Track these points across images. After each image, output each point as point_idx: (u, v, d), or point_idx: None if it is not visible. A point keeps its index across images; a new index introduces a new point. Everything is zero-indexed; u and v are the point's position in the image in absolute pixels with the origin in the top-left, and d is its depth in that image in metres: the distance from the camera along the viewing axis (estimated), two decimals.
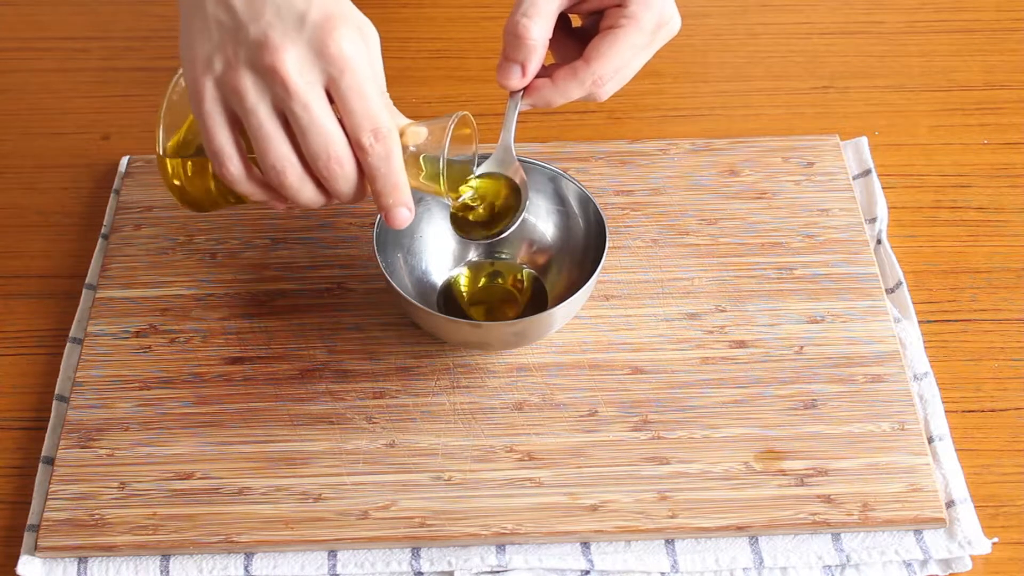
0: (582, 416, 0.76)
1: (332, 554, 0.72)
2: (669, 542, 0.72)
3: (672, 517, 0.71)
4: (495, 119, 0.95)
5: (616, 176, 0.88)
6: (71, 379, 0.79)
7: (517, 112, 0.71)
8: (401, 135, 0.66)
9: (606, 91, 0.70)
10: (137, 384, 0.78)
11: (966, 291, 0.84)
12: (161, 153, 0.70)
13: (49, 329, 0.83)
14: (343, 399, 0.77)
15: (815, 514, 0.71)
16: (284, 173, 0.64)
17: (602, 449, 0.74)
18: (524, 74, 0.69)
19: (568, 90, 0.70)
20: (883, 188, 0.88)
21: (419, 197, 0.79)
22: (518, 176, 0.73)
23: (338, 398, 0.77)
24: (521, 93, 0.71)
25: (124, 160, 0.91)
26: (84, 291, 0.84)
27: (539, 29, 0.68)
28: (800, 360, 0.78)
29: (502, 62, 0.69)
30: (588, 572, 0.71)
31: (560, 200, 0.80)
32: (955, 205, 0.89)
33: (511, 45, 0.69)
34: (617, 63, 0.70)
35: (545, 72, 0.71)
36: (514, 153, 0.72)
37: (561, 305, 0.73)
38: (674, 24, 0.71)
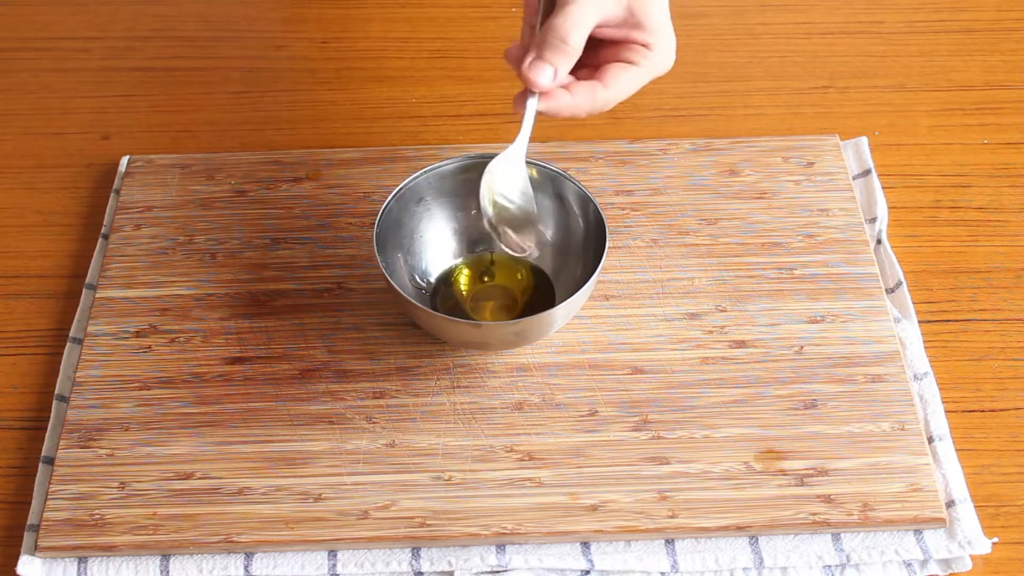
0: (582, 416, 0.76)
1: (332, 554, 0.72)
2: (669, 542, 0.72)
3: (672, 517, 0.71)
4: (495, 119, 0.96)
5: (616, 176, 0.88)
6: (71, 379, 0.79)
7: (535, 113, 0.71)
8: None
9: (601, 111, 0.73)
10: (137, 384, 0.78)
11: (966, 291, 0.84)
12: None
13: (49, 329, 0.83)
14: (343, 399, 0.77)
15: (815, 514, 0.71)
16: None
17: (602, 449, 0.74)
18: (555, 77, 0.69)
19: (581, 105, 0.71)
20: (883, 188, 0.88)
21: (419, 197, 0.80)
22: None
23: (338, 398, 0.77)
24: (539, 95, 0.70)
25: (124, 160, 0.91)
26: (84, 291, 0.84)
27: (579, 37, 0.69)
28: (800, 360, 0.78)
29: (535, 61, 0.69)
30: (588, 572, 0.71)
31: (560, 200, 0.80)
32: (955, 205, 0.89)
33: (552, 47, 0.69)
34: (628, 93, 0.72)
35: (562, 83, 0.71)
36: (524, 153, 0.73)
37: (561, 305, 0.73)
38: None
